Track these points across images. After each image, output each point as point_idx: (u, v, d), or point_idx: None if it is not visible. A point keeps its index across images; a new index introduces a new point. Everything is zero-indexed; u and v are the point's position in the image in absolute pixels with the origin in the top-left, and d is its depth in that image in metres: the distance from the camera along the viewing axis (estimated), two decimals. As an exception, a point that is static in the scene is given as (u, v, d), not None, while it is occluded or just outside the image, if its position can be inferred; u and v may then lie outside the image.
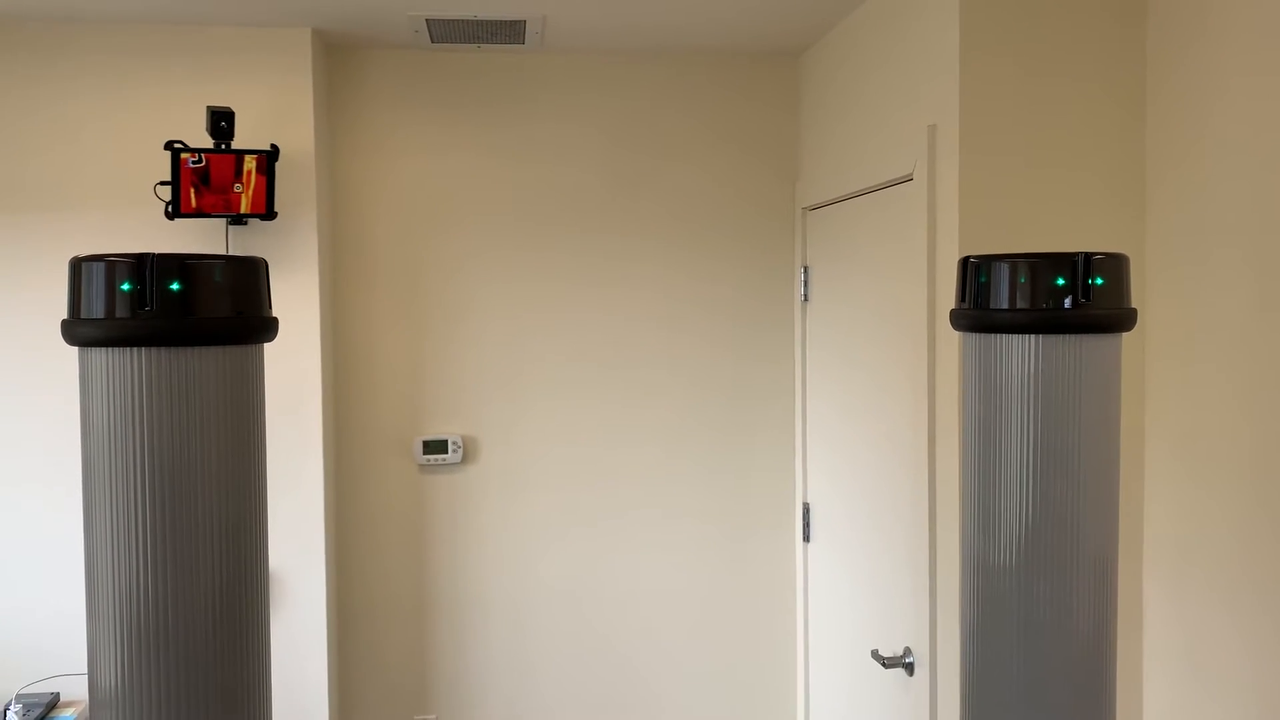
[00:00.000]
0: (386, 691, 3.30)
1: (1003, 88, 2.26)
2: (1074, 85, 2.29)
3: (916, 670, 2.52)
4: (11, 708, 2.76)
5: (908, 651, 2.58)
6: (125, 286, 0.94)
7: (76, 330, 0.96)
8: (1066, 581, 1.24)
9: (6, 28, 2.89)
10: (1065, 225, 2.29)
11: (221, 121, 2.78)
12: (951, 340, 2.32)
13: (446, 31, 3.02)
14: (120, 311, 0.95)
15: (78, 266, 0.97)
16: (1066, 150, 2.29)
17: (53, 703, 2.83)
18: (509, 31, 3.03)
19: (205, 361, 0.97)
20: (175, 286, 0.94)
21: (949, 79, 2.30)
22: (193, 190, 2.77)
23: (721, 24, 3.01)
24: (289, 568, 2.99)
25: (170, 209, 2.76)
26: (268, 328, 1.05)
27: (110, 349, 0.95)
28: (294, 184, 2.97)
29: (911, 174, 2.48)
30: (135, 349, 0.94)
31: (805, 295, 3.36)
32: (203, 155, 2.76)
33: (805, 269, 3.36)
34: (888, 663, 2.59)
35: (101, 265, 0.96)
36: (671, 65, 3.37)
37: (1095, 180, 2.30)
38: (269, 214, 2.83)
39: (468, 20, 2.91)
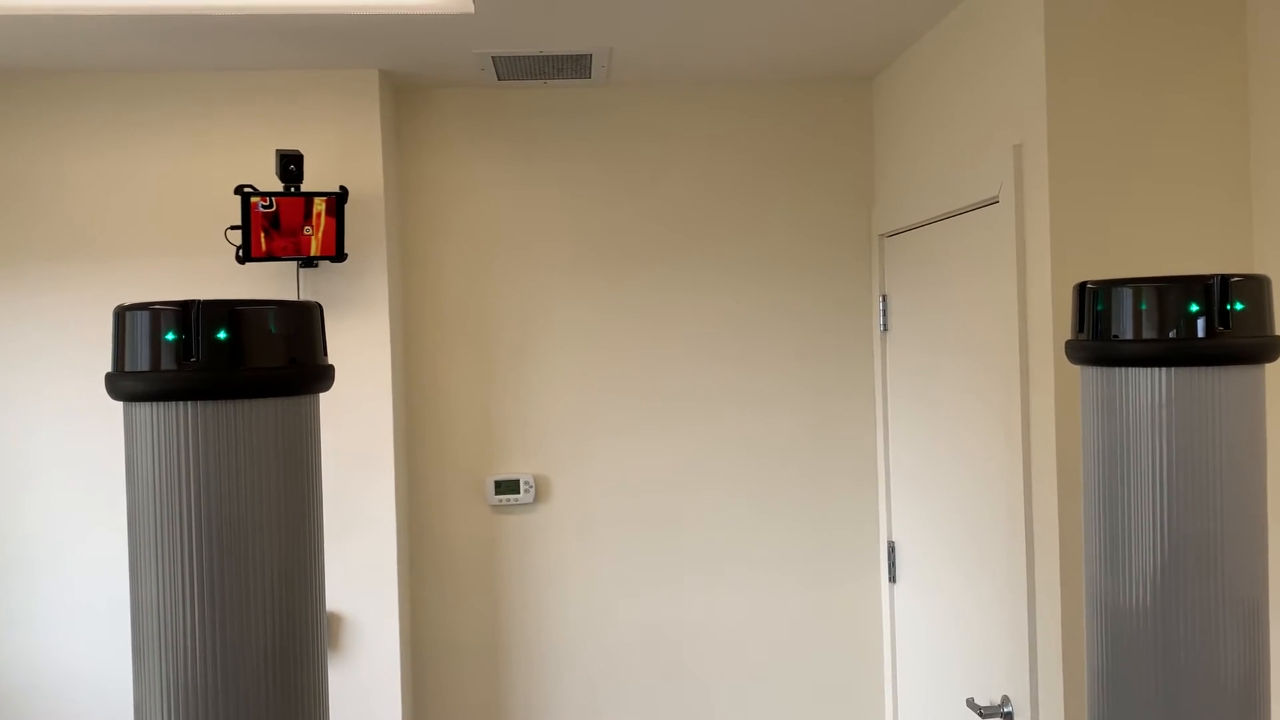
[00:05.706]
0: (462, 739, 3.22)
1: (1092, 100, 2.14)
2: (1169, 95, 2.15)
3: (1017, 721, 2.37)
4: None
5: (1006, 700, 2.43)
6: (170, 336, 0.88)
7: (119, 384, 0.90)
8: (1211, 625, 1.12)
9: (79, 78, 2.93)
10: (1167, 245, 2.15)
11: (290, 164, 2.77)
12: (1047, 369, 2.19)
13: (512, 68, 2.99)
14: (166, 363, 0.89)
15: (121, 316, 0.92)
16: (1164, 164, 2.15)
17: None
18: (575, 66, 2.99)
19: (256, 414, 0.90)
20: (222, 335, 0.88)
21: (1035, 94, 2.18)
22: (263, 234, 2.76)
23: (792, 51, 2.93)
24: (362, 611, 2.94)
25: (241, 253, 2.76)
26: (323, 376, 0.99)
27: (155, 403, 0.89)
28: (363, 225, 2.96)
29: (997, 196, 2.36)
30: (181, 403, 0.88)
31: (884, 325, 3.24)
32: (272, 199, 2.76)
33: (884, 298, 3.24)
34: (984, 712, 2.44)
35: (146, 314, 0.90)
36: (740, 94, 3.30)
37: (1197, 196, 2.16)
38: (339, 256, 2.82)
39: (533, 56, 2.88)
